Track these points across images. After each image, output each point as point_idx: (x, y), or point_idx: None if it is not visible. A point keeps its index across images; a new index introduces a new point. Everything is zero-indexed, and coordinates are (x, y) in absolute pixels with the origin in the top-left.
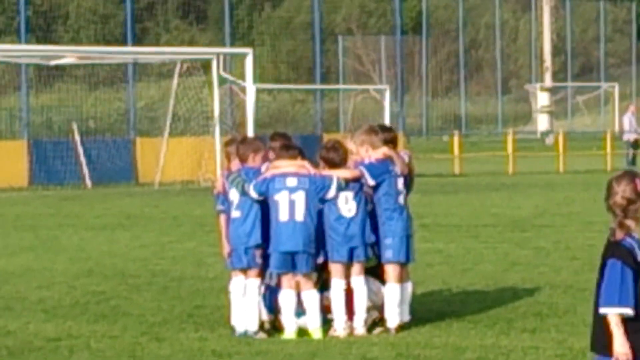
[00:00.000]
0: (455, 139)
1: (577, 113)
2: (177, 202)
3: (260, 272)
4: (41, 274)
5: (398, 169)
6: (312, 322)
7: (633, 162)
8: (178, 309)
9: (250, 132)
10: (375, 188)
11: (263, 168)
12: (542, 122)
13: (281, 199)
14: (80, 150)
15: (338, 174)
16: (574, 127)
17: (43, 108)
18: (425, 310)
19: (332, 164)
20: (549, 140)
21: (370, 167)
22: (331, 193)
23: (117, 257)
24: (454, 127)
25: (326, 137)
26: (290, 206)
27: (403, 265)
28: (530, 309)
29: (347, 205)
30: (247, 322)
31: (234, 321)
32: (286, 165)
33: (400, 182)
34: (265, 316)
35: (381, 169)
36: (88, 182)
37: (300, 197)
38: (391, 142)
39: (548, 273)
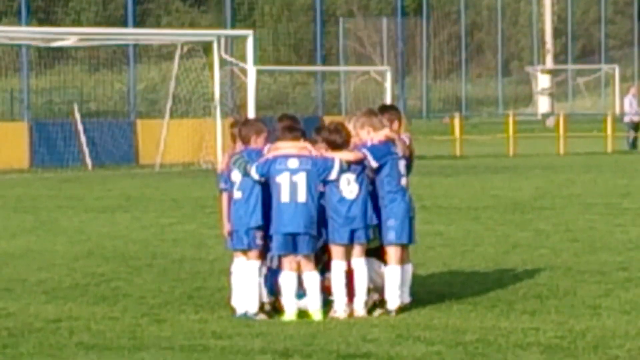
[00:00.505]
0: (456, 121)
1: (577, 95)
2: (178, 184)
3: (261, 254)
4: (41, 255)
5: (399, 150)
6: (313, 303)
7: (634, 144)
8: (178, 291)
9: (251, 114)
10: (377, 170)
11: (265, 149)
12: (543, 104)
13: (283, 181)
14: (81, 132)
15: (340, 156)
16: (574, 109)
17: (44, 90)
18: (425, 292)
19: (335, 146)
20: (550, 122)
21: (372, 149)
22: (333, 175)
23: (117, 239)
24: (454, 109)
25: (327, 119)
26: (292, 187)
27: (404, 247)
28: (530, 291)
29: (349, 187)
30: (247, 304)
31: (235, 302)
32: (288, 146)
33: (402, 164)
34: (265, 298)
35: (383, 151)
36: (89, 163)
37: (301, 179)
38: (398, 121)
39: (548, 255)
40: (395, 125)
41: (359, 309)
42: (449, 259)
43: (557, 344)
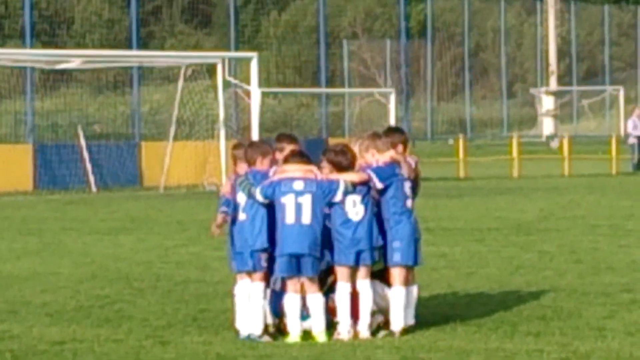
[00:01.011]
0: (460, 143)
1: (582, 117)
2: (182, 206)
3: (266, 276)
4: (46, 277)
5: (405, 172)
6: (317, 325)
7: (638, 166)
8: (182, 313)
9: (255, 136)
10: (382, 191)
11: (271, 172)
12: (547, 126)
13: (288, 202)
14: (85, 154)
15: (345, 178)
16: (579, 130)
17: (48, 112)
18: (429, 314)
19: (340, 168)
20: (554, 143)
21: (377, 171)
22: (338, 196)
23: (121, 261)
24: (459, 131)
25: (331, 141)
26: (297, 209)
27: (410, 268)
28: (534, 313)
29: (355, 208)
30: (251, 326)
31: (238, 324)
32: (294, 169)
33: (407, 186)
34: (270, 320)
35: (388, 172)
36: (93, 186)
37: (307, 201)
38: (402, 144)
39: (552, 276)
40: (400, 148)
41: (364, 331)
42: (454, 280)
43: None
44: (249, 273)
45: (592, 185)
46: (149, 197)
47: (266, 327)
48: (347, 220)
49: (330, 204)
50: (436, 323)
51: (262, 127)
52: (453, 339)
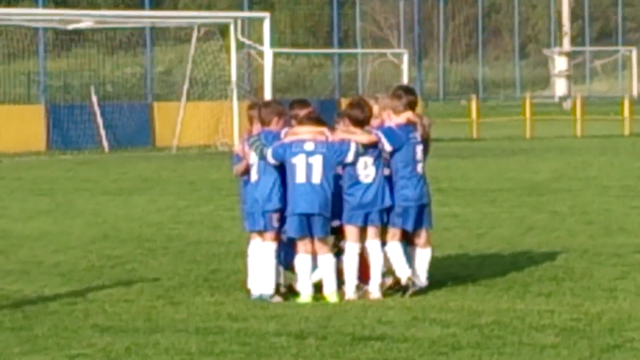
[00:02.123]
0: (473, 103)
1: (595, 77)
2: (194, 166)
3: (277, 236)
4: (57, 238)
5: (419, 135)
6: (328, 286)
7: None
8: (194, 273)
9: (267, 97)
10: (392, 153)
11: (282, 133)
12: (560, 87)
13: (298, 162)
14: (98, 114)
15: (355, 139)
16: (591, 91)
17: (60, 72)
18: (441, 274)
19: (356, 122)
20: (567, 104)
21: (387, 132)
22: (350, 157)
23: (133, 222)
24: (471, 92)
25: (344, 102)
26: (308, 169)
27: (422, 231)
28: (546, 273)
29: (366, 170)
30: (263, 286)
31: (250, 284)
32: (304, 131)
33: (420, 150)
34: (282, 279)
35: (399, 135)
36: (105, 146)
37: (317, 161)
38: (412, 105)
39: (564, 237)
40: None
41: (375, 292)
42: (465, 241)
43: (572, 327)
44: (261, 233)
45: (605, 146)
46: (161, 157)
47: (277, 287)
48: (357, 182)
49: (343, 165)
50: (447, 284)
51: (275, 88)
52: (464, 299)
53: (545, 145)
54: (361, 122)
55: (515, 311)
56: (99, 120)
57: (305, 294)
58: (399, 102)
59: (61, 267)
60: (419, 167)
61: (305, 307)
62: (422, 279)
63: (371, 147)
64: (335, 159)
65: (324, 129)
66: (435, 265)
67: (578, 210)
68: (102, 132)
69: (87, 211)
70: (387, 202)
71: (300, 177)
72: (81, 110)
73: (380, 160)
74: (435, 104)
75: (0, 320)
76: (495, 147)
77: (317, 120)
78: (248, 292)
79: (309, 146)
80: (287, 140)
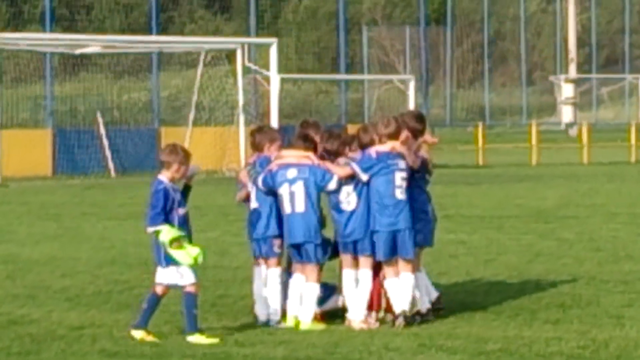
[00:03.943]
0: (480, 130)
1: (601, 105)
2: (201, 191)
3: (280, 261)
4: (65, 262)
5: (405, 162)
6: (305, 314)
7: None
8: (201, 298)
9: (274, 122)
10: (370, 180)
11: (272, 157)
12: (567, 114)
13: (284, 192)
14: (105, 139)
15: (338, 172)
16: (598, 118)
17: (68, 97)
18: (448, 301)
19: (330, 153)
20: (573, 131)
21: (361, 162)
22: (332, 185)
23: (140, 246)
24: (478, 118)
25: (350, 128)
26: (291, 198)
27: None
28: (553, 300)
29: (348, 198)
30: (269, 312)
31: (257, 310)
32: (290, 155)
33: (400, 177)
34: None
35: (375, 163)
36: (112, 171)
37: (299, 188)
38: (395, 135)
39: (571, 264)
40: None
41: (356, 321)
42: (472, 267)
43: (579, 354)
44: (264, 259)
45: (612, 173)
46: None
47: (284, 313)
48: (340, 210)
49: (325, 191)
50: (455, 310)
51: (281, 113)
52: (471, 326)
53: (551, 172)
54: (335, 153)
55: (522, 338)
56: (106, 144)
57: (289, 316)
58: (386, 130)
59: (69, 292)
60: (398, 193)
61: (313, 333)
62: (401, 306)
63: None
64: (317, 183)
65: (310, 154)
66: (442, 292)
67: (585, 238)
68: (109, 156)
69: (94, 236)
70: (374, 226)
71: (286, 208)
72: (88, 134)
73: (362, 187)
74: (441, 130)
75: (8, 345)
76: (501, 173)
77: (305, 140)
78: (255, 317)
79: (292, 173)
80: (274, 166)
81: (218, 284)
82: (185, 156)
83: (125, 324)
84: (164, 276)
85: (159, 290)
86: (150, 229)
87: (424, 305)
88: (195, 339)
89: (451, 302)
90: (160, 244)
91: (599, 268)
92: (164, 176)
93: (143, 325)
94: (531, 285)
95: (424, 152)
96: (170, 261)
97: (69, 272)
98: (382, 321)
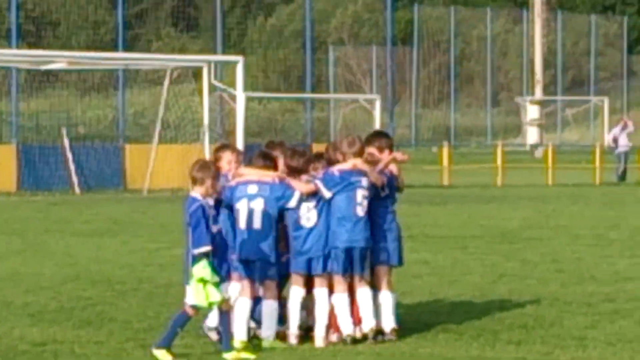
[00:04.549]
0: (445, 150)
1: (566, 126)
2: (166, 209)
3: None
4: (28, 278)
5: (366, 180)
6: (265, 331)
7: (623, 177)
8: (164, 316)
9: (239, 141)
10: (332, 197)
11: (229, 175)
12: (532, 135)
13: (241, 207)
14: (70, 155)
15: (301, 188)
16: (563, 140)
17: (33, 113)
18: (412, 321)
19: (294, 170)
20: (539, 153)
21: (324, 179)
22: (292, 202)
23: (104, 263)
24: (443, 139)
25: (316, 147)
26: (249, 214)
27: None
28: (516, 321)
29: (308, 214)
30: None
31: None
32: (250, 173)
33: (361, 194)
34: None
35: (337, 180)
36: (77, 187)
37: (258, 205)
38: (388, 149)
39: (535, 285)
40: (386, 153)
41: (318, 340)
42: (436, 287)
43: None
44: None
45: (576, 195)
46: (132, 199)
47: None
48: (299, 227)
49: (285, 209)
50: (418, 330)
51: (247, 132)
52: (434, 346)
53: (516, 193)
54: (299, 171)
55: (485, 358)
56: (71, 161)
57: (237, 339)
58: (350, 149)
59: (31, 308)
60: (358, 210)
61: (275, 351)
62: (369, 324)
63: (315, 195)
64: (277, 202)
65: (271, 172)
66: (405, 312)
67: (549, 259)
68: (74, 173)
69: (58, 252)
70: (333, 242)
71: (242, 223)
72: (53, 151)
73: (323, 204)
74: (407, 150)
75: None
76: (466, 194)
77: (265, 158)
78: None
79: (252, 189)
80: (233, 182)
81: (181, 302)
82: (217, 171)
83: (87, 340)
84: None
85: (189, 311)
86: (197, 251)
87: (389, 326)
88: (161, 355)
89: (414, 322)
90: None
91: (563, 289)
92: (197, 193)
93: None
94: (495, 306)
95: (393, 168)
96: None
97: (32, 288)
98: (354, 340)
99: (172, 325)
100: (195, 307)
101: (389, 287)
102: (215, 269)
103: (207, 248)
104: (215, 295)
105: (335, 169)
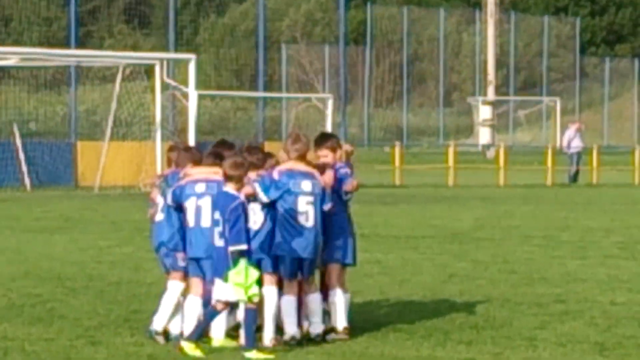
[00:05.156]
0: (397, 150)
1: (518, 127)
2: (117, 206)
3: (184, 275)
4: None
5: (310, 185)
6: (215, 330)
7: (575, 178)
8: (114, 313)
9: (191, 138)
10: (272, 204)
11: (181, 173)
12: (484, 136)
13: (190, 205)
14: (21, 152)
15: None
16: (515, 141)
17: None
18: (362, 320)
19: (250, 166)
20: (491, 153)
21: (262, 183)
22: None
23: (54, 260)
24: (395, 138)
25: (267, 145)
26: (197, 212)
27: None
28: (467, 321)
29: (254, 217)
30: (174, 325)
31: (168, 325)
32: (200, 172)
33: (305, 202)
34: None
35: (277, 185)
36: (27, 184)
37: (206, 203)
38: (340, 148)
39: (486, 286)
40: (339, 153)
41: (266, 340)
42: (387, 287)
43: None
44: (167, 273)
45: (527, 195)
46: (84, 196)
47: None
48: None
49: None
50: (368, 329)
51: (199, 130)
52: (384, 345)
53: (468, 194)
54: (254, 166)
55: (435, 358)
56: (22, 158)
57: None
58: (293, 146)
59: None
60: (301, 219)
61: (225, 350)
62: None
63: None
64: (224, 201)
65: (219, 170)
66: (356, 311)
67: (500, 259)
68: (25, 170)
69: (8, 249)
70: (276, 250)
71: (190, 222)
72: (4, 147)
73: (270, 207)
74: (359, 149)
75: None
76: (418, 194)
77: (215, 156)
78: (167, 332)
79: (200, 188)
80: (183, 181)
81: (132, 299)
82: (248, 168)
83: (37, 337)
84: (224, 292)
85: (218, 306)
86: (233, 248)
87: (341, 324)
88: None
89: (365, 322)
90: (230, 262)
91: (513, 290)
92: (232, 189)
93: (194, 338)
94: (445, 306)
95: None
96: None
97: None
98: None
99: (204, 320)
100: (226, 302)
101: (341, 286)
102: (253, 264)
103: (243, 246)
104: (254, 289)
105: (276, 171)
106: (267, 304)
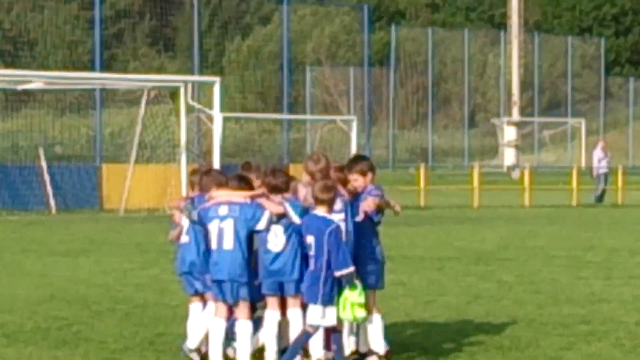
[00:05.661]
0: (422, 171)
1: (543, 148)
2: (142, 229)
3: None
4: (3, 298)
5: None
6: (241, 353)
7: (601, 198)
8: (140, 336)
9: (216, 161)
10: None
11: (206, 196)
12: (509, 156)
13: (213, 228)
14: (46, 175)
15: (271, 208)
16: (540, 161)
17: (9, 133)
18: (388, 343)
19: (273, 188)
20: (516, 174)
21: (295, 205)
22: (261, 225)
23: (80, 283)
24: (420, 160)
25: (292, 168)
26: (219, 234)
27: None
28: (492, 342)
29: (276, 239)
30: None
31: (192, 345)
32: (223, 194)
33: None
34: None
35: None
36: (53, 207)
37: (229, 225)
38: (371, 172)
39: (511, 306)
40: (369, 176)
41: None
42: (412, 309)
43: None
44: (199, 295)
45: (552, 216)
46: (108, 219)
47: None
48: (267, 251)
49: (255, 232)
50: (394, 352)
51: (224, 152)
52: None
53: (492, 215)
54: (278, 189)
55: None
56: (47, 181)
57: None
58: (316, 166)
59: (7, 328)
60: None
61: None
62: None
63: (284, 217)
64: (247, 222)
65: (244, 192)
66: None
67: (525, 280)
68: (50, 193)
69: (34, 272)
70: (296, 274)
71: (213, 244)
72: (29, 171)
73: (293, 229)
74: (383, 171)
75: None
76: (443, 215)
77: (240, 180)
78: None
79: (223, 210)
80: (207, 204)
81: (157, 322)
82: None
83: None
84: (318, 316)
85: (310, 328)
86: (339, 273)
87: (381, 349)
88: None
89: (390, 344)
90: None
91: (539, 310)
92: (324, 213)
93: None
94: (470, 327)
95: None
96: (327, 301)
97: (7, 308)
98: None
99: (297, 344)
100: (316, 327)
101: (377, 309)
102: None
103: (351, 268)
104: (361, 312)
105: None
106: (292, 327)
